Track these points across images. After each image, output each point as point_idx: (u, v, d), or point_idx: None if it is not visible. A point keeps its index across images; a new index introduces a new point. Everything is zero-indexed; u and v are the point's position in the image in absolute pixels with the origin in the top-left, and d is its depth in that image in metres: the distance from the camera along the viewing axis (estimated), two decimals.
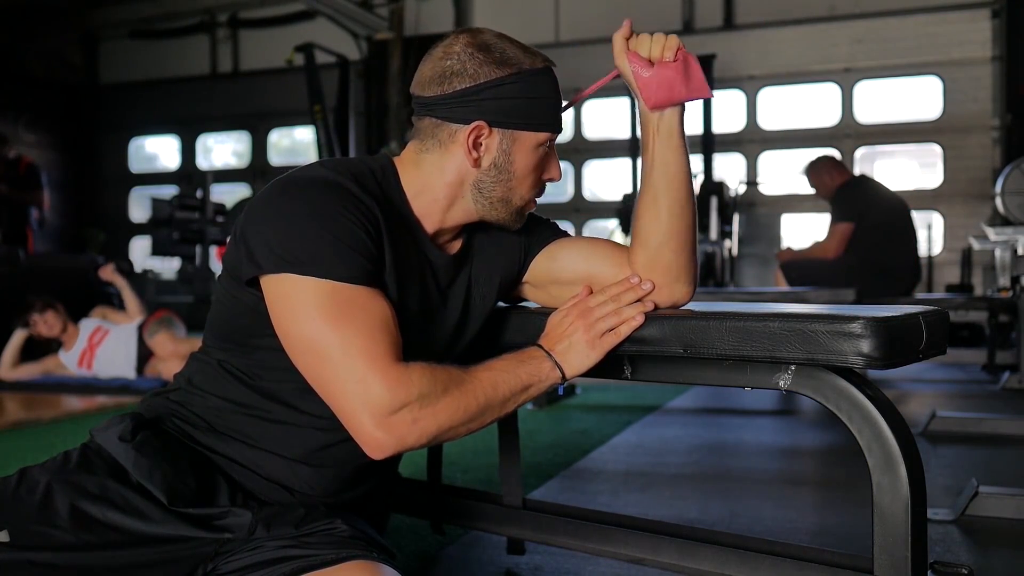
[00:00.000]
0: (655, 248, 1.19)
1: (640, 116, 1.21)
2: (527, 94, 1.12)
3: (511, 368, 1.11)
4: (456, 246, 1.23)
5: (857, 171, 8.17)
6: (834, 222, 4.67)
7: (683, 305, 1.23)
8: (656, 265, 1.20)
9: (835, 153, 8.19)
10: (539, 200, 1.24)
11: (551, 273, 1.29)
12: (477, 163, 1.14)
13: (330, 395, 1.04)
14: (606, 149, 9.13)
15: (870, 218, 4.57)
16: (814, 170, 4.87)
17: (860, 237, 4.54)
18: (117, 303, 5.16)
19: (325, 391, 1.04)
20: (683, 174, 1.19)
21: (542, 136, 1.15)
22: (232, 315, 1.14)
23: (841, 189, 4.72)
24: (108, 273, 5.02)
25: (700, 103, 7.81)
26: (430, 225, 1.18)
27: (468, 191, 1.16)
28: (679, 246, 1.20)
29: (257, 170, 10.61)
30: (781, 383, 1.10)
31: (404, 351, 1.05)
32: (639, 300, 1.19)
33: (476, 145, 1.13)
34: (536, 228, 1.31)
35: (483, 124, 1.12)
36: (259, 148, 10.72)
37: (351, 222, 1.05)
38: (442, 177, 1.16)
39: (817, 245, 4.78)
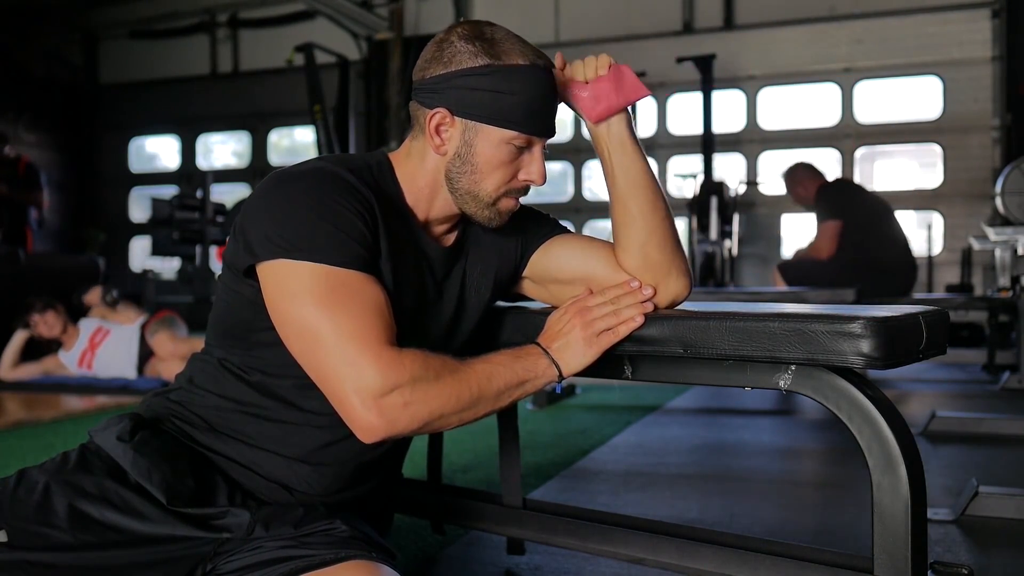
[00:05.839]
0: (638, 249, 1.20)
1: (591, 134, 1.25)
2: (496, 88, 1.10)
3: (507, 362, 1.11)
4: (451, 239, 1.24)
5: (857, 171, 8.20)
6: (820, 222, 4.70)
7: (684, 298, 1.23)
8: (645, 265, 1.20)
9: (833, 154, 8.23)
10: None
11: (548, 270, 1.29)
12: (439, 150, 1.14)
13: (323, 379, 1.04)
14: None
15: (854, 217, 4.60)
16: (790, 179, 4.92)
17: (848, 236, 4.56)
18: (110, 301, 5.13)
19: (318, 375, 1.05)
20: (644, 175, 1.20)
21: (508, 133, 1.12)
22: (232, 310, 1.15)
23: (820, 192, 4.77)
24: (93, 298, 4.79)
25: (700, 103, 7.89)
26: (421, 215, 1.19)
27: (444, 181, 1.16)
28: (661, 241, 1.20)
29: (257, 170, 10.59)
30: (781, 383, 1.10)
31: (399, 342, 1.05)
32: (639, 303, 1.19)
33: (438, 132, 1.13)
34: (534, 223, 1.31)
35: (445, 112, 1.12)
36: (259, 148, 10.70)
37: (346, 209, 1.05)
38: (422, 165, 1.17)
39: (810, 246, 4.81)
